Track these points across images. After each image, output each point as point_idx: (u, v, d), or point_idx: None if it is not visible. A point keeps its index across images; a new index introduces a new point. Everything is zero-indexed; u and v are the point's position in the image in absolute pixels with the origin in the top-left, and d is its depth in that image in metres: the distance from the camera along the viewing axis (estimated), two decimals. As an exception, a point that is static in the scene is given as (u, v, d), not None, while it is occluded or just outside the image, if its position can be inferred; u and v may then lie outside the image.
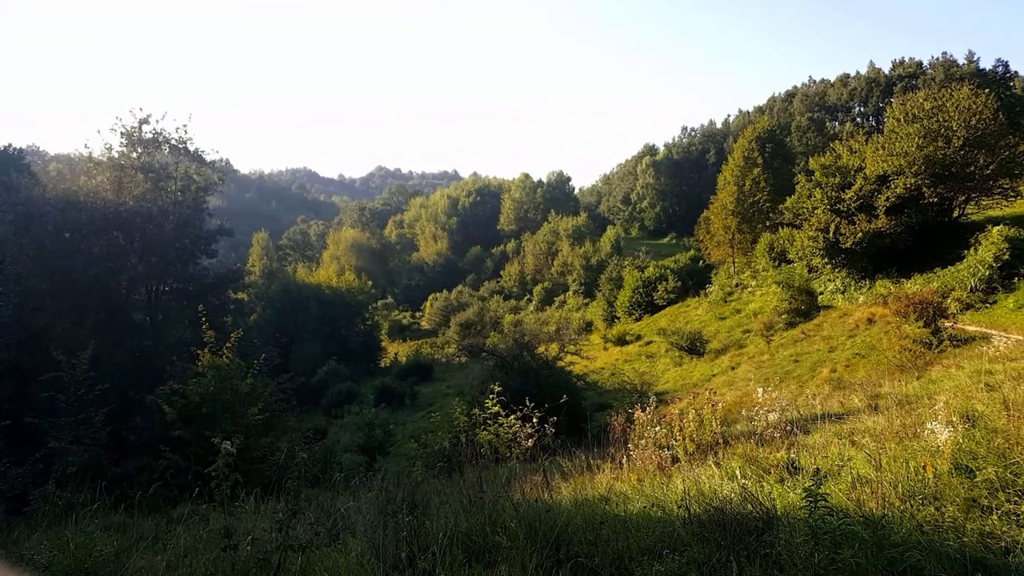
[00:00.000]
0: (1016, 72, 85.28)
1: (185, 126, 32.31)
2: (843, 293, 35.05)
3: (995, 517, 4.08)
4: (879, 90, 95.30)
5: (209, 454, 5.68)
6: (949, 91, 35.22)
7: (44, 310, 25.24)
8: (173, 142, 31.78)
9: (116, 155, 30.58)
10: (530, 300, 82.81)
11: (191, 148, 32.35)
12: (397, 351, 68.23)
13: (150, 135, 31.22)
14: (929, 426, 6.04)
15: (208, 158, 33.80)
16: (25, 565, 4.75)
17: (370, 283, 78.12)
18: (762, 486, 5.50)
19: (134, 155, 30.99)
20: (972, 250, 27.66)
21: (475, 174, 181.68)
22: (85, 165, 30.80)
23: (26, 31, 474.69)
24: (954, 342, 20.31)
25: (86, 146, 31.33)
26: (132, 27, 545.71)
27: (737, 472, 6.10)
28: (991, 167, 31.47)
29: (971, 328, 22.69)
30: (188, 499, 7.77)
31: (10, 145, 39.90)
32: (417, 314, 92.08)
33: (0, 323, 24.89)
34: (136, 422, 18.00)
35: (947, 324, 22.14)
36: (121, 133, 30.63)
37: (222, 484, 4.74)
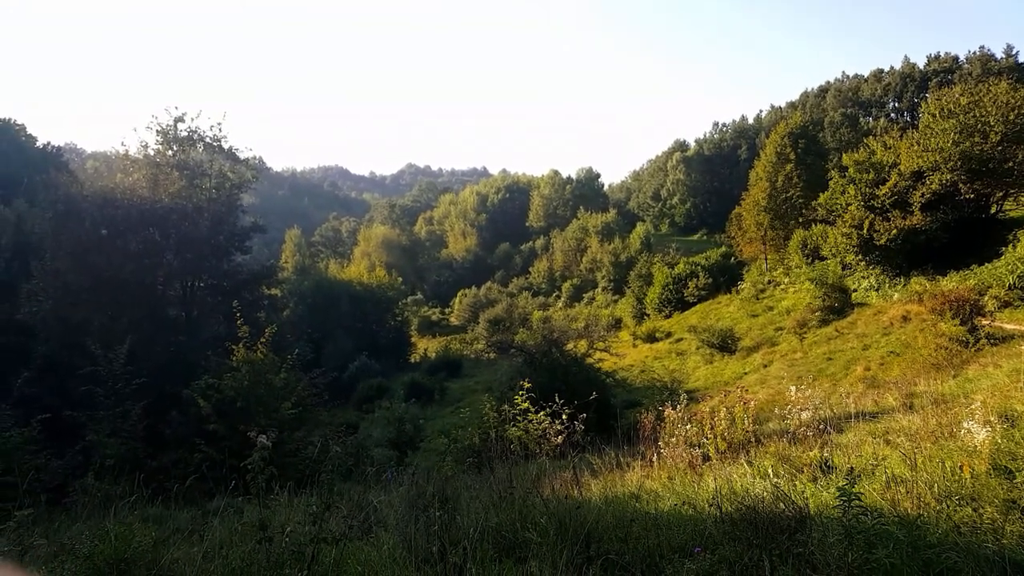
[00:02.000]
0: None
1: (219, 124, 32.71)
2: (877, 290, 34.51)
3: (1035, 519, 4.02)
4: (914, 85, 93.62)
5: (243, 447, 5.77)
6: (986, 86, 34.47)
7: (82, 305, 25.70)
8: (208, 140, 32.15)
9: (152, 153, 30.98)
10: (559, 296, 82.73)
11: (225, 146, 32.70)
12: (426, 347, 68.62)
13: (185, 133, 31.61)
14: (966, 425, 5.95)
15: (242, 156, 34.15)
16: (67, 555, 4.86)
17: (400, 279, 78.62)
18: (795, 485, 5.46)
19: (169, 153, 31.38)
20: (1010, 247, 27.07)
21: (504, 171, 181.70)
22: (122, 163, 31.21)
23: (64, 31, 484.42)
24: (991, 340, 19.89)
25: (123, 144, 31.82)
26: (169, 27, 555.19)
27: (769, 471, 6.06)
28: (1030, 163, 30.79)
29: (1009, 326, 22.20)
30: (223, 492, 7.90)
31: (49, 143, 40.88)
32: (446, 310, 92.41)
33: (40, 318, 25.53)
34: (172, 416, 18.27)
35: (984, 322, 21.70)
36: (157, 131, 31.05)
37: (258, 477, 4.82)
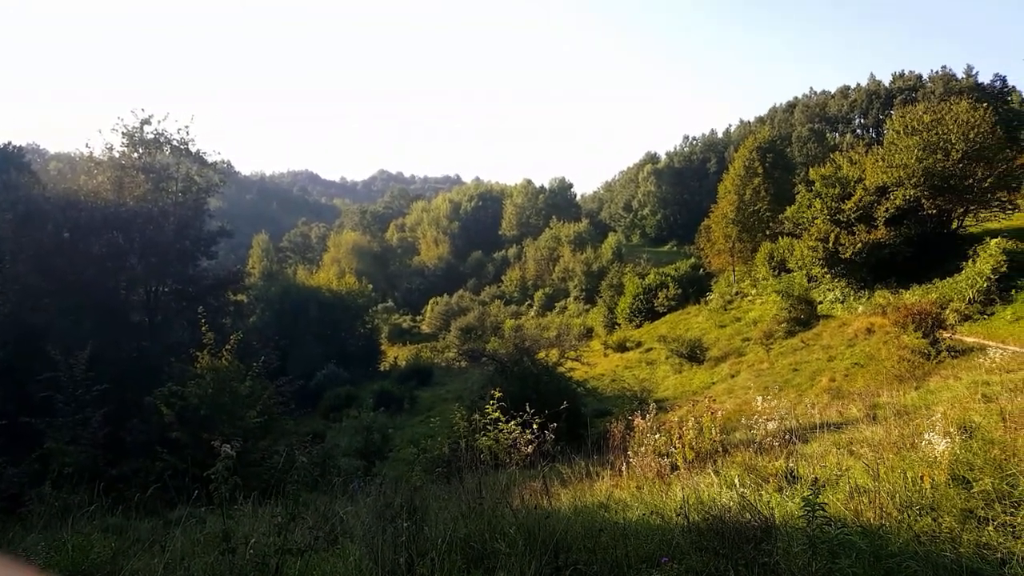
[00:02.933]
0: (1014, 87, 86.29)
1: (187, 127, 32.38)
2: (842, 303, 35.10)
3: (991, 528, 4.11)
4: (879, 102, 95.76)
5: (207, 456, 5.69)
6: (948, 104, 35.40)
7: (42, 309, 25.18)
8: (175, 143, 31.83)
9: (117, 155, 30.62)
10: (531, 305, 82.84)
11: (192, 149, 32.42)
12: (397, 355, 68.18)
13: (151, 135, 31.29)
14: (927, 437, 6.07)
15: (209, 159, 33.87)
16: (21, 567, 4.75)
17: (370, 286, 78.16)
18: (761, 495, 5.52)
19: (135, 155, 31.01)
20: (970, 262, 27.72)
21: (477, 179, 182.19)
22: (86, 164, 30.81)
23: (27, 29, 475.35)
24: (952, 353, 20.35)
25: (87, 145, 31.42)
26: (134, 27, 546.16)
27: (736, 480, 6.12)
28: (989, 180, 31.61)
29: (969, 339, 22.73)
30: (186, 502, 7.78)
31: (10, 143, 39.78)
32: (417, 318, 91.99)
33: (-2, 322, 24.98)
34: (134, 423, 17.92)
35: (945, 335, 22.21)
36: (123, 133, 30.70)
37: (221, 487, 4.76)
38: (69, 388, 13.55)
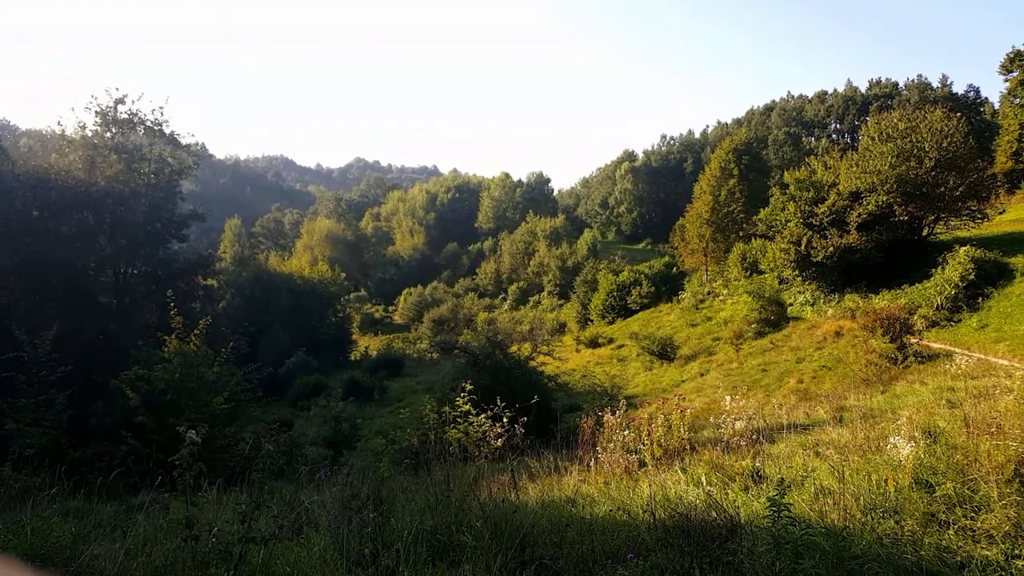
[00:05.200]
0: (986, 98, 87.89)
1: (161, 108, 31.99)
2: (812, 305, 35.49)
3: (952, 532, 4.16)
4: (855, 108, 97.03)
5: (172, 442, 5.60)
6: (923, 113, 35.81)
7: (8, 288, 24.71)
8: (148, 123, 31.38)
9: (90, 134, 30.14)
10: (505, 299, 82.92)
11: (167, 130, 32.03)
12: (368, 345, 67.88)
13: (125, 115, 30.82)
14: (892, 440, 6.14)
15: (183, 141, 33.53)
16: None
17: (343, 275, 77.58)
18: (727, 494, 5.55)
19: (108, 135, 30.54)
20: (939, 269, 28.10)
21: (455, 171, 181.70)
22: (57, 143, 30.27)
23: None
24: (919, 358, 20.63)
25: (59, 123, 30.76)
26: (111, 5, 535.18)
27: (703, 479, 6.15)
28: (960, 189, 32.04)
29: (936, 345, 23.09)
30: (149, 487, 7.65)
31: (-22, 118, 39.14)
32: (390, 308, 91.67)
33: (-39, 300, 24.43)
34: (98, 406, 17.69)
35: (913, 340, 22.53)
36: (96, 112, 30.20)
37: (185, 473, 4.68)
38: (32, 369, 13.26)
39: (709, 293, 50.30)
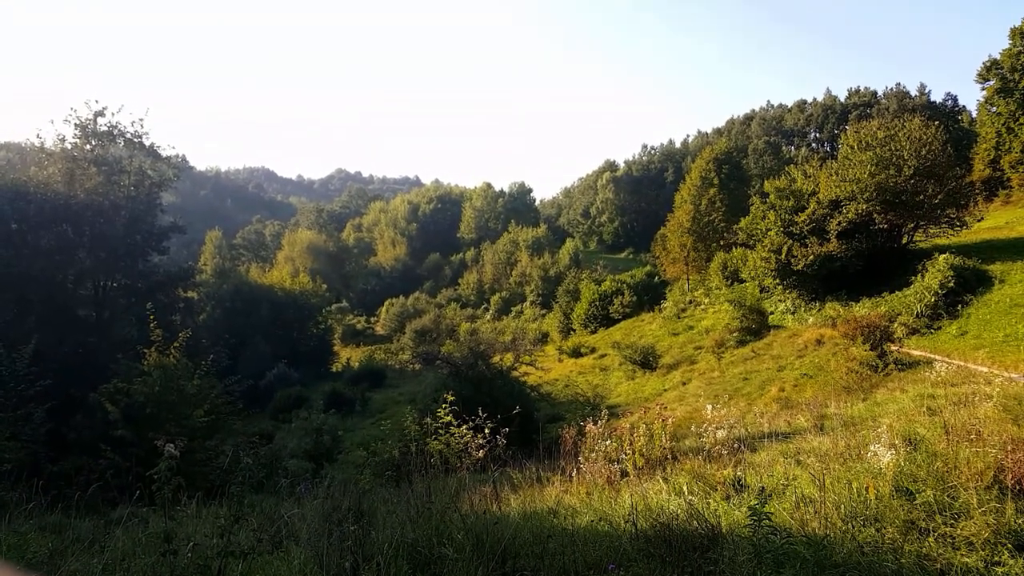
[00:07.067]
0: (964, 107, 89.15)
1: (141, 120, 31.96)
2: (793, 314, 35.73)
3: (932, 539, 4.17)
4: (835, 117, 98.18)
5: (151, 455, 5.52)
6: (902, 121, 36.18)
7: (-16, 302, 24.45)
8: (128, 136, 31.26)
9: (69, 146, 29.99)
10: (487, 309, 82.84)
11: (147, 143, 31.94)
12: (350, 356, 67.51)
13: (105, 128, 30.68)
14: (873, 448, 6.17)
15: (164, 153, 33.41)
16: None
17: (325, 286, 77.23)
18: (708, 503, 5.55)
19: (87, 147, 30.36)
20: (919, 276, 28.31)
21: (437, 181, 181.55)
22: (36, 155, 30.02)
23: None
24: (899, 366, 20.78)
25: (38, 136, 30.49)
26: (90, 14, 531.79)
27: (684, 488, 6.14)
28: (939, 197, 32.35)
29: (916, 353, 23.27)
30: (128, 501, 7.54)
31: (-45, 129, 38.78)
32: (372, 319, 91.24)
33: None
34: (77, 420, 17.50)
35: (893, 348, 22.72)
36: (75, 124, 30.02)
37: (164, 487, 4.62)
38: (11, 383, 13.15)
39: (691, 302, 50.54)
